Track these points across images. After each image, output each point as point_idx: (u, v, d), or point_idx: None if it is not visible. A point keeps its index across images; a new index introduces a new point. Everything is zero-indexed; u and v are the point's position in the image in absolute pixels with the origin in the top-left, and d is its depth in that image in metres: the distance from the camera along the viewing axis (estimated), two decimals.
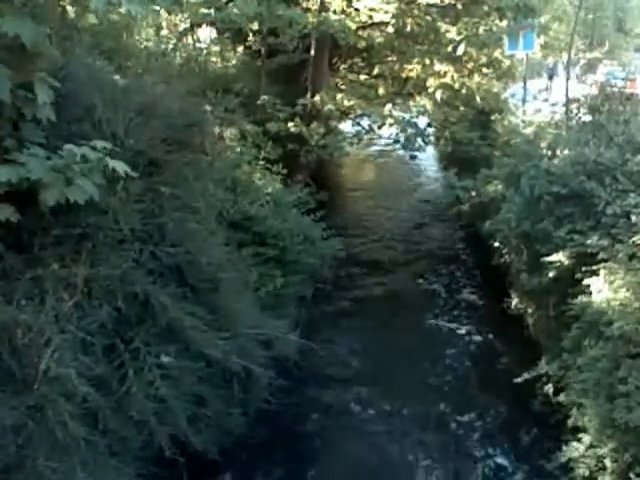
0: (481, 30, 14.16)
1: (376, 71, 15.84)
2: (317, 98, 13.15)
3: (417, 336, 9.33)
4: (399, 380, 8.00)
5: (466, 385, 8.04)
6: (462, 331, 9.41)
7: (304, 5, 13.59)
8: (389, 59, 15.71)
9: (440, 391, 7.88)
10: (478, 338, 9.16)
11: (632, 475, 4.93)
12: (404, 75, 15.93)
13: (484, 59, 15.27)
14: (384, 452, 6.71)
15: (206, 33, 14.63)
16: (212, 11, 12.09)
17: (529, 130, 11.04)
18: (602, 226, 6.92)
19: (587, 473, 5.38)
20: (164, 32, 13.40)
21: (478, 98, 14.23)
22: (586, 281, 6.49)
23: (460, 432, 7.06)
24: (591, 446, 5.46)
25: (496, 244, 10.00)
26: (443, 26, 14.59)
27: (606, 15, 34.07)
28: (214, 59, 14.23)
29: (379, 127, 14.45)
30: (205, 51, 13.89)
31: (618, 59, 31.06)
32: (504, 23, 13.71)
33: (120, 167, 4.39)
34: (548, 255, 7.37)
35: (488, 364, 8.49)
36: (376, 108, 14.15)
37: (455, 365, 8.60)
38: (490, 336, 9.12)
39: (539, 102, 12.89)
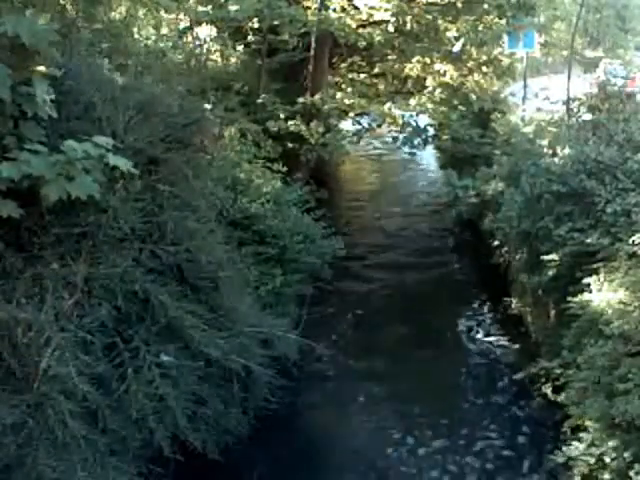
0: (480, 28, 14.11)
1: (376, 70, 15.80)
2: (317, 97, 13.12)
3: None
4: None
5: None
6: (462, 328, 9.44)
7: (304, 3, 13.58)
8: (389, 57, 15.67)
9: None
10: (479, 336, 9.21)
11: (632, 474, 4.92)
12: (404, 74, 15.91)
13: (484, 57, 15.25)
14: None
15: (206, 31, 14.59)
16: (209, 8, 12.08)
17: (529, 129, 11.02)
18: (602, 225, 6.91)
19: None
20: (164, 30, 13.39)
21: (473, 97, 14.19)
22: (586, 280, 6.49)
23: None
24: (591, 444, 5.45)
25: (496, 242, 9.99)
26: (443, 24, 14.56)
27: (607, 14, 33.97)
28: (214, 57, 14.21)
29: (379, 125, 14.44)
30: (205, 49, 13.86)
31: (619, 57, 30.95)
32: (504, 21, 13.69)
33: (122, 163, 4.37)
34: (548, 253, 7.37)
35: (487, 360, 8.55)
36: (376, 107, 14.14)
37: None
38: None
39: (539, 100, 12.81)
